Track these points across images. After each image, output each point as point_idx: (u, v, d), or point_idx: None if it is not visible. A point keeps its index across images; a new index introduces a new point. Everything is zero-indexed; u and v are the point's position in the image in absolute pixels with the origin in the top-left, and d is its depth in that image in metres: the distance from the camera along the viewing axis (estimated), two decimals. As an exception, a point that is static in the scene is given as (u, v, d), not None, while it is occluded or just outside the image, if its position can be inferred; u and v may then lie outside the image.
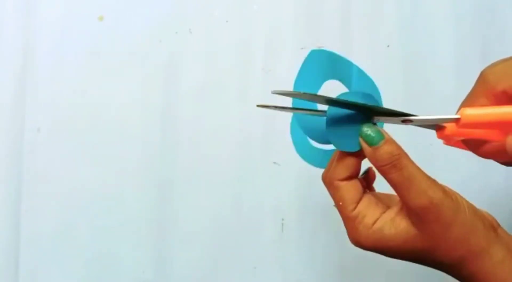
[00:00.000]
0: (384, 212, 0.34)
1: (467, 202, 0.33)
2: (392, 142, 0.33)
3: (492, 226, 0.33)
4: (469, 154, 0.62)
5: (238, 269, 0.60)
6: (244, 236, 0.61)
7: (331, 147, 0.37)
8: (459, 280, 0.33)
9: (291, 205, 0.61)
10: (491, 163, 0.62)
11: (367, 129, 0.33)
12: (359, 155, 0.35)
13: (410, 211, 0.32)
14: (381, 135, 0.33)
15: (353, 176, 0.35)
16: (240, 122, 0.62)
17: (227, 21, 0.63)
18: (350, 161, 0.34)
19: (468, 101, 0.34)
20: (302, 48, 0.63)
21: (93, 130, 0.62)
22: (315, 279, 0.60)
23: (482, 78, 0.34)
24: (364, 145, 0.33)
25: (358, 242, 0.34)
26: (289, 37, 0.63)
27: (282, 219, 0.61)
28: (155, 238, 0.61)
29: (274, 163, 0.61)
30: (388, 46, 0.61)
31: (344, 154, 0.34)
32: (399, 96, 0.60)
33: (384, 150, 0.32)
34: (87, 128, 0.62)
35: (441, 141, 0.61)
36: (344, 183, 0.34)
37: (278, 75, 0.62)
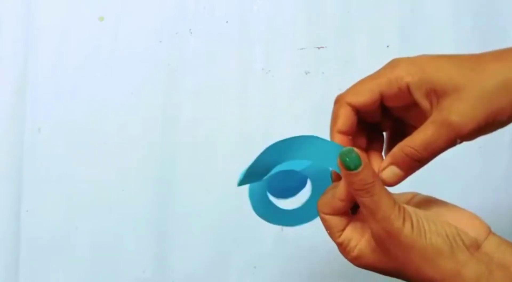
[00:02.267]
0: (364, 235, 0.35)
1: (435, 225, 0.33)
2: (369, 169, 0.34)
3: (471, 245, 0.33)
4: (468, 153, 0.62)
5: (238, 269, 0.60)
6: (244, 235, 0.61)
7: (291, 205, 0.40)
8: None
9: (291, 205, 0.61)
10: (490, 164, 0.62)
11: (347, 155, 0.34)
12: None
13: (374, 236, 0.34)
14: (359, 161, 0.33)
15: (336, 213, 0.36)
16: (240, 123, 0.62)
17: (227, 22, 0.63)
18: (329, 199, 0.36)
19: (370, 80, 0.36)
20: (302, 48, 0.63)
21: (94, 130, 0.62)
22: (315, 278, 0.61)
23: (392, 64, 0.35)
24: (342, 168, 0.34)
25: (349, 260, 0.36)
26: (289, 37, 0.63)
27: (282, 219, 0.61)
28: (155, 238, 0.61)
29: (274, 163, 0.61)
30: (388, 46, 0.61)
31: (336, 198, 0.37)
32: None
33: (360, 177, 0.33)
34: (88, 128, 0.62)
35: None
36: (328, 216, 0.36)
37: (278, 76, 0.62)
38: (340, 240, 0.36)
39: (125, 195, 0.61)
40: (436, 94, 0.33)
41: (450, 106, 0.32)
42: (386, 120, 0.38)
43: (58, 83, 0.62)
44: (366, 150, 0.39)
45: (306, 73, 0.63)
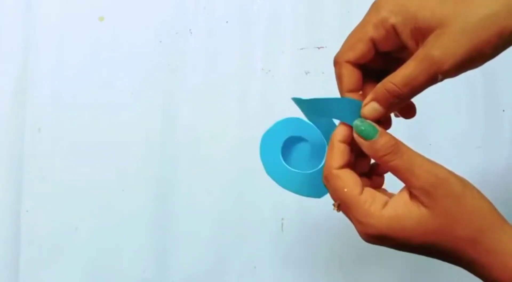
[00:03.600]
0: (391, 196, 0.34)
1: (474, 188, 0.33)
2: (387, 133, 0.34)
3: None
4: (468, 153, 0.62)
5: (238, 269, 0.60)
6: (244, 235, 0.61)
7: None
8: (466, 262, 0.33)
9: (291, 205, 0.61)
10: (490, 161, 0.62)
11: (361, 125, 0.34)
12: (349, 143, 0.36)
13: (418, 191, 0.32)
14: (375, 128, 0.34)
15: (349, 164, 0.35)
16: (240, 123, 0.62)
17: (227, 22, 0.63)
18: (341, 148, 0.35)
19: (358, 30, 0.35)
20: (302, 48, 0.63)
21: (93, 130, 0.62)
22: (315, 279, 0.61)
23: (375, 8, 0.34)
24: (361, 140, 0.34)
25: (370, 226, 0.33)
26: (289, 37, 0.63)
27: (282, 219, 0.61)
28: (155, 238, 0.61)
29: (274, 163, 0.61)
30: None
31: (335, 142, 0.35)
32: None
33: (382, 141, 0.33)
34: (87, 128, 0.62)
35: (440, 141, 0.62)
36: (343, 170, 0.35)
37: (278, 76, 0.62)
38: (363, 196, 0.33)
39: (125, 195, 0.61)
40: (421, 32, 0.32)
41: (433, 41, 0.32)
42: (390, 63, 0.37)
43: (58, 83, 0.62)
44: None
45: (306, 73, 0.63)
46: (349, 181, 0.34)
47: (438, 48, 0.31)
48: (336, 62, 0.36)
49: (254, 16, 0.63)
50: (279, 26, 0.63)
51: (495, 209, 0.33)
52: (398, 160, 0.33)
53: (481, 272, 0.32)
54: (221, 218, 0.61)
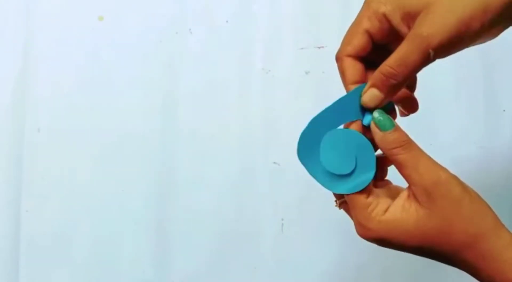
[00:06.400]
0: (393, 201, 0.35)
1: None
2: (401, 129, 0.35)
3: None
4: (468, 154, 0.62)
5: (238, 269, 0.60)
6: (244, 236, 0.61)
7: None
8: (463, 265, 0.33)
9: (291, 205, 0.61)
10: (490, 162, 0.62)
11: (379, 116, 0.35)
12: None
13: (419, 190, 0.33)
14: (392, 122, 0.35)
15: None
16: (240, 123, 0.62)
17: (227, 21, 0.63)
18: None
19: (354, 25, 0.37)
20: (302, 48, 0.63)
21: (93, 130, 0.62)
22: (315, 279, 0.61)
23: (367, 2, 0.36)
24: (376, 130, 0.35)
25: (369, 230, 0.34)
26: (289, 37, 0.63)
27: (282, 219, 0.61)
28: (155, 238, 0.61)
29: (274, 163, 0.61)
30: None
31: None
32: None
33: (396, 134, 0.34)
34: (87, 128, 0.62)
35: (440, 141, 0.62)
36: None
37: (278, 76, 0.62)
38: (369, 199, 0.35)
39: (125, 195, 0.61)
40: (411, 16, 0.34)
41: (421, 21, 0.33)
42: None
43: (58, 83, 0.62)
44: None
45: (306, 73, 0.63)
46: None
47: (426, 25, 0.33)
48: (338, 58, 0.37)
49: (254, 16, 0.63)
50: (279, 26, 0.63)
51: (493, 213, 0.34)
52: (407, 154, 0.34)
53: (478, 276, 0.33)
54: (221, 218, 0.61)
